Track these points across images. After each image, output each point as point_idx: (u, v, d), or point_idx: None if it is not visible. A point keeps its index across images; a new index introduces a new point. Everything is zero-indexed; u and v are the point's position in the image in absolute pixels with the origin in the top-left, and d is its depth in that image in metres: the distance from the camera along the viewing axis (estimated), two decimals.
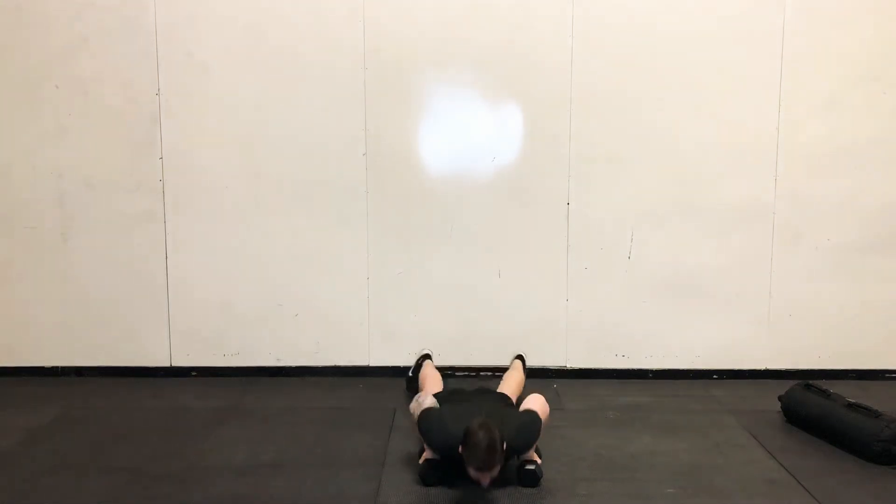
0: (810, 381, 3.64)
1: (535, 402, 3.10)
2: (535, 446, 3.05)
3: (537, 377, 4.03)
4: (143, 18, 4.02)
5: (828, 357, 4.22)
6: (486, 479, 2.78)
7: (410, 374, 3.96)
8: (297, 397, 3.96)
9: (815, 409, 3.45)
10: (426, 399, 3.11)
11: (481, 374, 4.20)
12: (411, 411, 3.12)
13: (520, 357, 3.99)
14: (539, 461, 3.02)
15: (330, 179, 4.12)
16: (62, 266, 4.17)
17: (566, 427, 3.54)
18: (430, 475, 2.99)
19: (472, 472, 2.79)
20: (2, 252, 4.17)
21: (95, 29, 4.03)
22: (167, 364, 4.24)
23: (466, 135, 4.10)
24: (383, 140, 4.08)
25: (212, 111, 4.08)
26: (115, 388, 4.08)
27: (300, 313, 4.22)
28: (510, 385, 3.59)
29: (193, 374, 4.25)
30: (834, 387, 3.57)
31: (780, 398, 3.67)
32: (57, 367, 4.25)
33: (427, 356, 4.02)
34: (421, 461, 3.04)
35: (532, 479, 2.97)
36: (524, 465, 2.99)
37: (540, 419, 3.02)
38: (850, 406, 3.33)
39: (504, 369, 3.90)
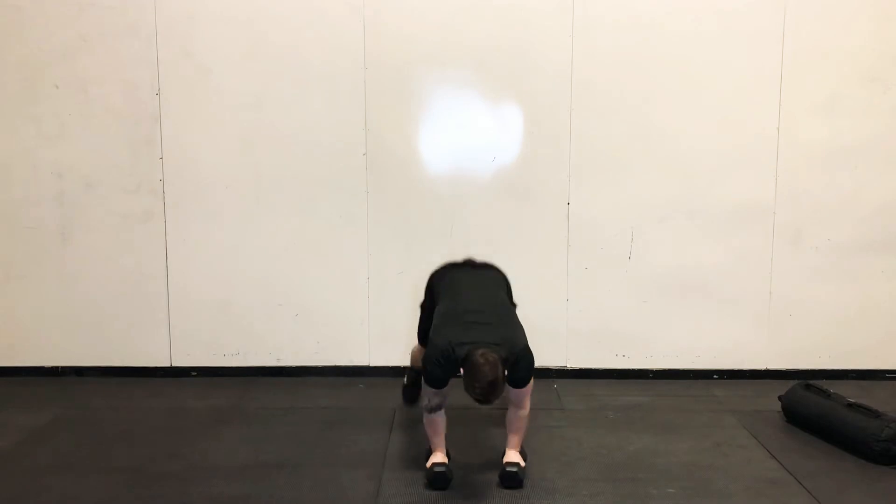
0: (810, 381, 3.64)
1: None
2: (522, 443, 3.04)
3: (537, 377, 4.01)
4: (143, 18, 4.02)
5: (828, 357, 4.21)
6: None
7: (405, 381, 3.77)
8: (297, 397, 3.96)
9: (815, 409, 3.45)
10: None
11: None
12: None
13: None
14: (523, 464, 3.00)
15: (330, 179, 4.12)
16: (62, 266, 4.17)
17: (566, 427, 3.55)
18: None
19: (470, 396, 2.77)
20: (2, 252, 4.17)
21: (95, 29, 4.03)
22: (167, 364, 4.24)
23: (466, 135, 4.09)
24: (383, 140, 4.08)
25: (212, 111, 4.08)
26: (115, 388, 4.08)
27: (300, 313, 4.22)
28: None
29: (193, 374, 4.25)
30: (834, 387, 3.57)
31: (780, 398, 3.67)
32: (57, 367, 4.25)
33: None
34: (428, 465, 2.98)
35: (513, 481, 2.93)
36: (505, 468, 2.95)
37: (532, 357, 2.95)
38: (850, 406, 3.33)
39: None
